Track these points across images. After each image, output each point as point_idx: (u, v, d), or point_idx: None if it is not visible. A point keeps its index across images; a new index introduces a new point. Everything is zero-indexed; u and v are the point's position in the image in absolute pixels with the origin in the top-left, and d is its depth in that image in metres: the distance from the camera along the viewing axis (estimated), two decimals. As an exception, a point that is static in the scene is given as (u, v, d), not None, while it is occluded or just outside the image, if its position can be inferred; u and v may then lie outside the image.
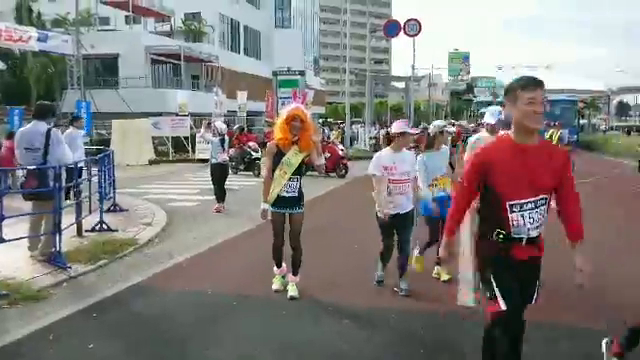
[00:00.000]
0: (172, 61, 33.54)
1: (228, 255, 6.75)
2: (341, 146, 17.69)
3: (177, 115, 24.09)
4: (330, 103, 66.55)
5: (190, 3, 36.78)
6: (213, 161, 10.29)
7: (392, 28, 26.83)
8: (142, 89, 30.33)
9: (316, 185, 13.19)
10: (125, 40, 31.99)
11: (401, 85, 52.85)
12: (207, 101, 28.11)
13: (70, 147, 6.68)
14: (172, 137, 22.64)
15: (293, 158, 4.65)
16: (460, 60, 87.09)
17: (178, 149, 22.72)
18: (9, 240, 5.23)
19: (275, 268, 5.07)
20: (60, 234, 5.72)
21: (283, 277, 5.05)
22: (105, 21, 37.39)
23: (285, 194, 4.68)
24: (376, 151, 18.58)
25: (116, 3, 33.47)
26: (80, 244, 6.60)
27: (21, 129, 6.25)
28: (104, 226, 7.53)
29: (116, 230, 7.55)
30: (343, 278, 5.48)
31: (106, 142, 20.58)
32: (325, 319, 4.40)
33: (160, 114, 24.45)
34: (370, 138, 18.26)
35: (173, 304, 4.80)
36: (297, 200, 4.77)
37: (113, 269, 5.90)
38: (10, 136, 13.47)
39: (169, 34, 37.11)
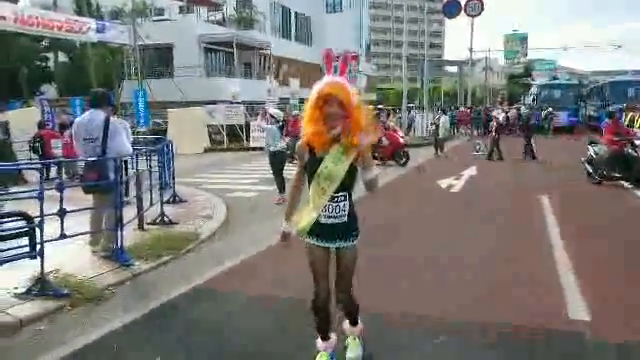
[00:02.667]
0: (224, 49, 33.54)
1: (297, 252, 6.28)
2: (401, 132, 16.96)
3: (231, 103, 24.01)
4: (380, 89, 65.30)
5: (241, -9, 36.63)
6: (271, 149, 9.85)
7: (452, 8, 25.63)
8: (195, 78, 30.52)
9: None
10: (179, 30, 32.20)
11: (454, 69, 51.10)
12: (259, 89, 27.93)
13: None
14: (226, 125, 22.56)
15: (334, 166, 2.87)
16: (517, 42, 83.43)
17: (232, 137, 22.64)
18: (70, 236, 4.95)
19: (319, 341, 3.24)
20: (122, 229, 5.43)
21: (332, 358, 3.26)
22: (160, 12, 37.85)
23: (326, 220, 2.96)
24: (436, 138, 17.86)
25: (171, -7, 33.70)
26: (142, 238, 6.32)
27: (77, 119, 5.95)
28: (165, 219, 7.25)
29: (177, 223, 7.27)
30: (424, 306, 4.88)
31: (162, 131, 20.71)
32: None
33: (213, 102, 24.45)
34: (431, 124, 17.43)
35: (239, 310, 4.36)
36: (347, 227, 3.00)
37: (175, 267, 5.56)
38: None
39: (221, 23, 37.17)
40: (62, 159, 5.85)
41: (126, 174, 7.01)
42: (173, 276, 5.23)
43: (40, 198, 4.38)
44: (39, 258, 4.43)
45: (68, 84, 29.57)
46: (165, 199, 8.00)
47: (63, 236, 4.83)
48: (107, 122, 5.46)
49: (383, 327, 3.86)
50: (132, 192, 7.57)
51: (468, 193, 10.36)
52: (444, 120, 17.98)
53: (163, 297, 4.59)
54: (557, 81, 36.35)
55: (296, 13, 43.04)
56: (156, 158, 8.65)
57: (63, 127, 13.90)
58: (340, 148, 2.86)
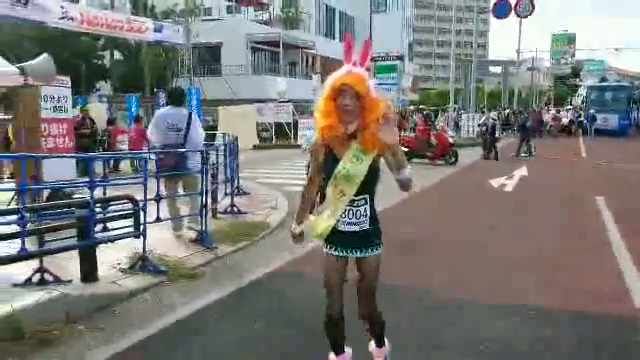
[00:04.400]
0: (270, 48, 34.25)
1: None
2: (451, 132, 17.13)
3: (277, 101, 24.60)
4: (422, 89, 64.93)
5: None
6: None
7: (502, 8, 25.39)
8: (243, 76, 31.34)
9: (421, 175, 12.86)
10: (227, 29, 33.08)
11: (498, 70, 50.22)
12: (304, 87, 28.47)
13: None
14: (274, 123, 23.14)
15: (353, 165, 2.58)
16: (564, 42, 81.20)
17: (280, 135, 23.20)
18: (165, 219, 5.47)
19: (331, 356, 3.02)
20: (206, 215, 5.93)
21: None
22: (208, 11, 38.94)
23: (345, 227, 2.68)
24: (484, 139, 17.89)
25: (220, -7, 34.63)
26: (218, 225, 6.82)
27: (162, 111, 6.52)
28: (235, 209, 7.75)
29: (246, 213, 7.75)
30: (494, 293, 5.15)
31: (212, 128, 21.45)
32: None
33: (260, 101, 25.11)
34: (479, 125, 17.50)
35: (318, 289, 4.76)
36: (369, 235, 2.72)
37: (253, 251, 6.04)
38: (138, 120, 14.51)
39: (267, 22, 37.94)
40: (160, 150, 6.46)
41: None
42: (253, 259, 5.70)
43: (144, 184, 4.90)
44: (142, 238, 4.95)
45: (122, 81, 30.87)
46: (230, 191, 8.51)
47: (158, 219, 5.35)
48: (190, 115, 6.18)
49: (455, 317, 4.18)
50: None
51: (521, 192, 10.49)
52: (497, 122, 18.10)
53: (250, 276, 5.05)
54: (607, 83, 35.45)
55: (340, 12, 43.40)
56: (221, 153, 9.17)
57: (111, 122, 14.81)
58: (358, 146, 2.58)
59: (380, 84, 28.25)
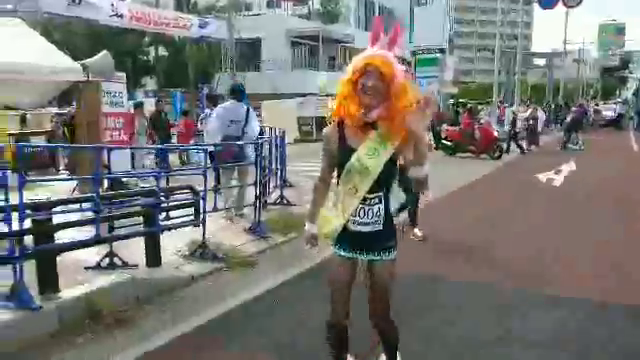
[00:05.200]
0: (310, 43, 34.41)
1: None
2: (496, 126, 16.89)
3: (318, 96, 24.72)
4: (463, 82, 63.79)
5: (328, -15, 37.31)
6: None
7: (550, -1, 24.65)
8: (283, 71, 31.63)
9: (463, 168, 12.80)
10: (268, 24, 33.41)
11: (542, 62, 48.77)
12: (344, 82, 28.46)
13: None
14: (315, 117, 23.27)
15: (369, 159, 2.31)
16: (612, 33, 78.21)
17: (321, 129, 23.33)
18: (220, 209, 5.68)
19: None
20: (260, 205, 6.11)
21: None
22: (249, 7, 39.39)
23: (356, 227, 2.44)
24: (530, 133, 17.55)
25: (261, -11, 35.00)
26: (268, 216, 6.99)
27: (224, 105, 6.99)
28: (284, 200, 7.93)
29: (294, 204, 7.91)
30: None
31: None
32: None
33: (300, 95, 25.29)
34: (525, 119, 17.16)
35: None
36: (382, 237, 2.47)
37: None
38: (185, 114, 15.00)
39: (307, 17, 38.08)
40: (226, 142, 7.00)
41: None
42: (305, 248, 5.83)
43: (204, 175, 5.12)
44: (201, 226, 5.17)
45: (167, 77, 31.67)
46: (277, 183, 8.70)
47: (215, 209, 5.57)
48: (248, 109, 6.63)
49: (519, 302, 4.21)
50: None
51: (570, 187, 10.27)
52: (541, 115, 17.74)
53: (304, 264, 5.19)
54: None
55: (380, 6, 43.09)
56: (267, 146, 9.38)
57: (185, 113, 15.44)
58: (377, 137, 2.31)
59: (419, 77, 27.99)
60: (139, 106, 11.77)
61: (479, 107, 18.47)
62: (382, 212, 2.42)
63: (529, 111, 18.53)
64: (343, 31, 35.72)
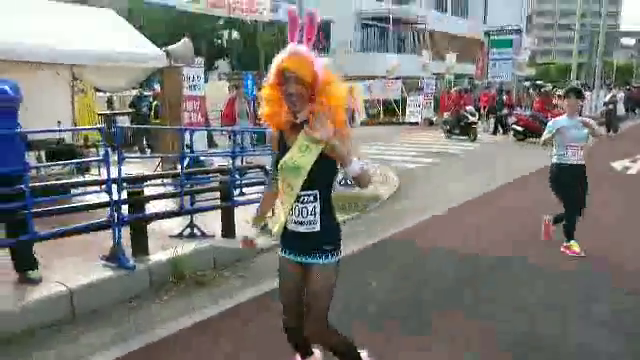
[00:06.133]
0: (380, 25, 34.17)
1: (474, 215, 6.88)
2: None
3: (387, 78, 24.67)
4: (540, 64, 60.82)
5: (400, -36, 36.68)
6: None
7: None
8: (352, 53, 31.71)
9: (535, 155, 12.50)
10: (338, 6, 33.49)
11: (632, 42, 45.53)
12: (413, 64, 28.16)
13: None
14: (382, 100, 23.33)
15: (301, 156, 2.26)
16: None
17: (387, 112, 23.37)
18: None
19: (297, 357, 2.73)
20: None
21: None
22: (319, -12, 39.65)
23: (292, 226, 2.35)
24: (609, 118, 16.76)
25: (332, -30, 35.05)
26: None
27: None
28: (348, 182, 8.25)
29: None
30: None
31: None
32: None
33: (368, 77, 25.34)
34: (604, 104, 16.27)
35: (433, 257, 5.12)
36: (318, 238, 2.34)
37: (366, 220, 6.53)
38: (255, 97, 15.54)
39: (377, -3, 37.77)
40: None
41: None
42: (367, 226, 6.19)
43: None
44: (271, 202, 5.61)
45: (239, 59, 32.75)
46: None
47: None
48: None
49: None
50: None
51: (647, 176, 9.85)
52: (621, 97, 16.84)
53: (367, 240, 5.54)
54: None
55: (453, -15, 41.83)
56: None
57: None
58: (305, 135, 2.23)
59: (493, 59, 27.12)
60: (239, 87, 10.85)
61: (554, 90, 17.71)
62: (318, 211, 2.29)
63: (609, 95, 17.60)
64: (414, 12, 35.13)
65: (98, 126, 7.32)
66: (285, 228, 2.36)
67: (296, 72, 2.14)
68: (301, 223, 2.30)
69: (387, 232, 5.92)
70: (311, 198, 2.28)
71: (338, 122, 2.21)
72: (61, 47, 6.59)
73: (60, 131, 6.30)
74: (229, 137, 11.25)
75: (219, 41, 35.04)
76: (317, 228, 2.30)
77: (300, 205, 2.29)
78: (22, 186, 3.63)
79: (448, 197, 7.73)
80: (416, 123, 21.64)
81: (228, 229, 5.29)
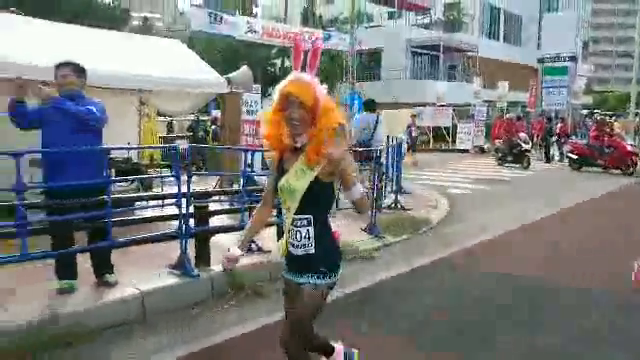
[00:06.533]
0: (430, 52, 34.37)
1: (526, 240, 6.85)
2: (630, 141, 15.80)
3: (437, 105, 24.70)
4: (598, 92, 59.00)
5: (451, -7, 37.03)
6: None
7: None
8: (402, 80, 31.99)
9: (577, 184, 12.23)
10: (388, 35, 34.03)
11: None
12: (464, 91, 28.09)
13: None
14: (432, 127, 23.34)
15: (296, 180, 2.35)
16: None
17: (437, 138, 23.34)
18: (340, 209, 6.31)
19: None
20: (375, 208, 6.66)
21: None
22: (370, 17, 40.35)
23: (292, 249, 2.42)
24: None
25: (383, 0, 35.87)
26: (382, 219, 7.50)
27: (359, 115, 8.99)
28: (399, 205, 8.40)
29: (409, 209, 8.33)
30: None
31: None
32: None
33: (419, 105, 25.46)
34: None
35: (483, 281, 5.17)
36: (312, 261, 2.40)
37: (417, 242, 6.62)
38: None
39: (427, 26, 38.07)
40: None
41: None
42: (417, 248, 6.28)
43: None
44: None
45: (291, 86, 33.70)
46: (390, 189, 9.17)
47: (337, 208, 6.19)
48: (377, 118, 8.40)
49: None
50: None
51: None
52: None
53: (416, 262, 5.66)
54: None
55: (506, 13, 41.63)
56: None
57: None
58: (303, 159, 2.33)
59: (546, 87, 26.69)
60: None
61: (611, 119, 17.25)
62: (312, 235, 2.36)
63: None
64: (465, 40, 35.16)
65: (171, 145, 7.87)
66: (288, 251, 2.43)
67: (299, 97, 2.25)
68: (297, 246, 2.38)
69: (436, 255, 6.00)
70: (304, 222, 2.35)
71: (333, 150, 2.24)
72: (133, 74, 7.17)
73: (137, 149, 6.89)
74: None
75: (272, 69, 36.21)
76: (312, 251, 2.37)
77: (295, 229, 2.37)
78: (105, 197, 4.02)
79: (498, 223, 7.70)
80: (466, 150, 21.49)
81: (283, 245, 5.53)
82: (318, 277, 2.38)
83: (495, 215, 8.41)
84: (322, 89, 2.32)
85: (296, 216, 2.35)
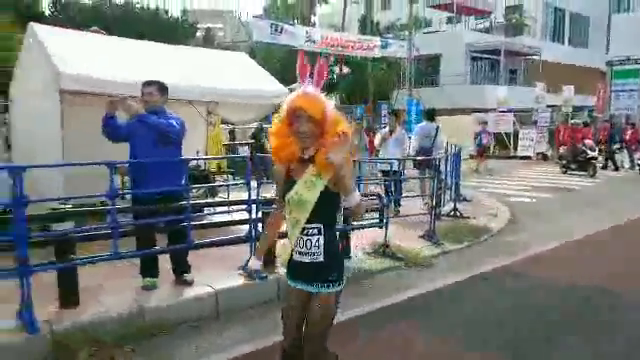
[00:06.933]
0: (490, 57, 33.66)
1: (590, 251, 6.74)
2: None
3: (497, 111, 24.19)
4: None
5: (513, -5, 36.15)
6: None
7: None
8: (461, 86, 31.53)
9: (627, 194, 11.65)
10: (447, 40, 33.65)
11: None
12: (525, 96, 27.30)
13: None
14: (493, 133, 22.84)
15: (307, 191, 2.40)
16: None
17: (498, 145, 22.84)
18: (403, 215, 6.48)
19: None
20: (433, 215, 6.76)
21: None
22: (429, 23, 40.04)
23: (298, 256, 2.48)
24: None
25: (442, 6, 35.54)
26: (441, 226, 7.56)
27: (421, 124, 9.48)
28: (458, 213, 8.42)
29: (468, 217, 8.34)
30: None
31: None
32: None
33: (478, 110, 25.00)
34: None
35: (544, 290, 5.17)
36: (322, 269, 2.45)
37: (476, 250, 6.66)
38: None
39: (488, 30, 37.31)
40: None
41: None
42: (477, 256, 6.33)
43: (388, 185, 5.95)
44: (384, 229, 6.02)
45: (348, 93, 33.95)
46: (449, 197, 9.18)
47: (397, 215, 6.37)
48: (438, 127, 8.97)
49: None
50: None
51: None
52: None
53: (476, 269, 5.72)
54: None
55: (572, 14, 40.12)
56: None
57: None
58: (314, 170, 2.37)
59: (615, 91, 25.53)
60: (361, 122, 12.28)
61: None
62: (321, 243, 2.41)
63: None
64: (527, 43, 34.18)
65: (242, 155, 8.39)
66: (291, 257, 2.50)
67: (307, 111, 2.29)
68: (306, 254, 2.42)
69: (496, 263, 6.02)
70: (315, 231, 2.41)
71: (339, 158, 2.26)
72: (203, 86, 7.64)
73: (214, 159, 7.97)
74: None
75: (331, 76, 36.71)
76: (321, 259, 2.42)
77: (305, 237, 2.41)
78: (185, 202, 4.41)
79: (561, 232, 7.57)
80: (528, 157, 20.93)
81: (345, 251, 5.74)
82: (328, 286, 2.42)
83: (558, 224, 8.25)
84: (330, 103, 2.36)
85: (307, 225, 2.40)
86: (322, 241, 2.40)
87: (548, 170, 16.91)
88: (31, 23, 7.37)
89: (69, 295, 3.91)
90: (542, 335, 4.02)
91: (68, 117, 6.05)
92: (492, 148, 22.46)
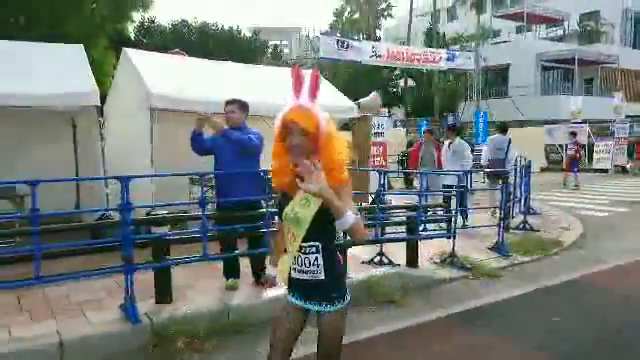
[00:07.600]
0: (563, 66, 32.49)
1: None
2: None
3: (570, 122, 23.31)
4: None
5: (588, 2, 34.75)
6: None
7: None
8: (531, 97, 30.63)
9: None
10: (516, 50, 32.87)
11: None
12: (602, 106, 26.11)
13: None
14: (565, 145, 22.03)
15: (302, 209, 2.30)
16: None
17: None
18: (471, 227, 6.56)
19: None
20: (503, 227, 6.78)
21: None
22: (497, 33, 39.28)
23: (296, 274, 2.41)
24: None
25: (510, 15, 34.81)
26: (510, 239, 7.55)
27: (493, 137, 10.18)
28: (527, 226, 8.33)
29: (538, 230, 8.23)
30: None
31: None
32: None
33: (549, 122, 24.20)
34: None
35: (615, 305, 5.09)
36: (323, 287, 2.37)
37: (547, 263, 6.61)
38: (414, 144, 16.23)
39: (560, 38, 36.06)
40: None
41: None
42: (547, 269, 6.29)
43: (457, 196, 6.09)
44: (452, 239, 6.14)
45: (413, 106, 33.92)
46: (519, 210, 9.08)
47: (465, 226, 6.46)
48: (509, 140, 9.52)
49: None
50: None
51: None
52: None
53: (545, 282, 5.71)
54: None
55: (652, 19, 37.96)
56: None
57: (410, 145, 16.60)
58: None
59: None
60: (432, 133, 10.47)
61: None
62: (320, 262, 2.32)
63: None
64: (604, 51, 32.70)
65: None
66: (290, 276, 2.42)
67: (300, 123, 2.18)
68: (304, 272, 2.36)
69: (565, 276, 5.97)
70: (313, 249, 2.32)
71: (337, 175, 2.20)
72: (278, 103, 8.09)
73: None
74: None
75: (395, 89, 36.80)
76: (321, 277, 2.33)
77: (303, 256, 2.33)
78: (263, 210, 4.80)
79: (636, 248, 7.33)
80: (605, 170, 20.01)
81: (412, 260, 5.93)
82: (333, 304, 2.35)
83: (634, 240, 7.97)
84: (325, 116, 2.23)
85: (304, 244, 2.31)
86: (321, 260, 2.32)
87: (627, 183, 16.13)
88: (124, 48, 8.15)
89: (164, 292, 4.38)
90: (609, 349, 4.02)
91: (156, 132, 6.67)
92: (583, 160, 21.57)
